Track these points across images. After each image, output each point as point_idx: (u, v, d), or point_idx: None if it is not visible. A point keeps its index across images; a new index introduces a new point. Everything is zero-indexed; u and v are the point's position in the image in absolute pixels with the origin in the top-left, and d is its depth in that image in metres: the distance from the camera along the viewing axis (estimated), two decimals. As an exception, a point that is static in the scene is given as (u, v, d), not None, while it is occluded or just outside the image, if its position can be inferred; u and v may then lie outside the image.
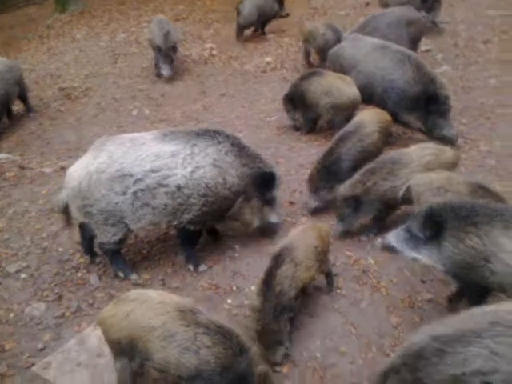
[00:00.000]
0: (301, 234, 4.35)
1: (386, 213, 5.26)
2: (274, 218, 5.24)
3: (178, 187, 4.60)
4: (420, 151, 5.30)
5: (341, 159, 5.74)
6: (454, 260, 3.91)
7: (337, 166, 5.72)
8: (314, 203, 5.79)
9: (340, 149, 5.78)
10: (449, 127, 6.58)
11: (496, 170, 6.27)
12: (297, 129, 7.46)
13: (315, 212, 5.79)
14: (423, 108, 6.53)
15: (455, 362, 2.88)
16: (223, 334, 3.33)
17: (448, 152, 5.32)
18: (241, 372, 3.28)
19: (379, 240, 4.69)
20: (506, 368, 2.85)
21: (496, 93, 8.19)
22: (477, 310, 3.14)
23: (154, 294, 3.53)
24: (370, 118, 6.04)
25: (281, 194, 5.82)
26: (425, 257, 4.07)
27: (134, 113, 8.21)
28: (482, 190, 4.49)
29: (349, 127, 5.96)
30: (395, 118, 6.53)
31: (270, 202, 5.12)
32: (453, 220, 3.88)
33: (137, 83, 9.29)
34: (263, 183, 4.95)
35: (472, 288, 4.10)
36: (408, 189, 4.75)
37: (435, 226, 3.92)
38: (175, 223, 4.79)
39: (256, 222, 5.15)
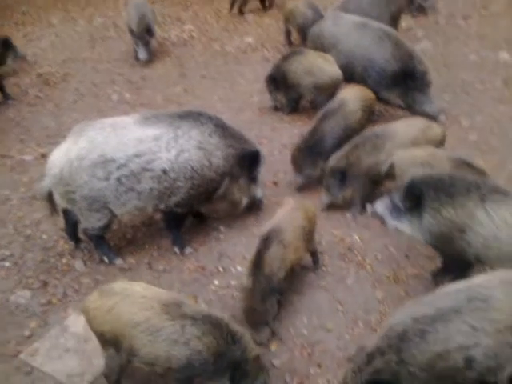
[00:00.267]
0: (288, 215, 4.34)
1: (370, 188, 5.27)
2: (259, 193, 5.31)
3: (164, 171, 4.56)
4: (406, 126, 5.32)
5: (324, 137, 5.74)
6: (433, 231, 3.99)
7: (320, 144, 5.72)
8: (299, 181, 5.84)
9: (323, 127, 5.78)
10: (429, 103, 6.60)
11: (478, 145, 6.33)
12: (279, 109, 7.42)
13: (301, 190, 5.83)
14: (403, 85, 6.54)
15: (437, 340, 2.94)
16: (212, 324, 3.33)
17: (436, 128, 5.33)
18: (235, 359, 3.30)
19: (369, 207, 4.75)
20: (486, 341, 2.93)
21: (476, 68, 8.24)
22: (452, 287, 3.19)
23: (138, 288, 3.48)
24: (353, 96, 6.01)
25: (264, 174, 5.83)
26: (406, 227, 4.18)
27: (114, 97, 8.09)
28: (464, 165, 4.53)
29: (332, 105, 5.94)
30: (376, 96, 6.52)
31: (255, 180, 5.15)
32: (431, 192, 3.95)
33: (116, 67, 9.13)
34: (250, 162, 4.97)
35: (453, 260, 4.16)
36: (391, 165, 4.77)
37: (415, 197, 3.99)
38: (162, 207, 4.76)
39: (244, 201, 5.18)
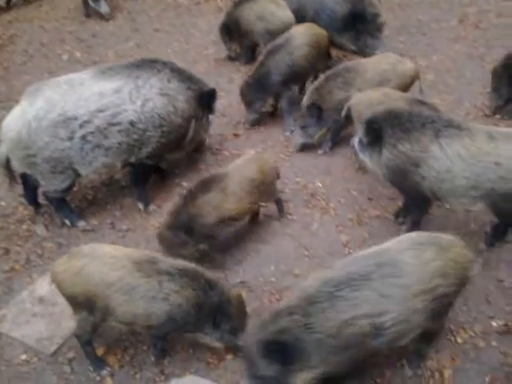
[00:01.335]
0: (240, 165, 4.33)
1: (341, 123, 5.23)
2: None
3: (132, 123, 4.47)
4: (377, 61, 5.32)
5: (270, 72, 5.70)
6: (390, 165, 4.04)
7: (266, 79, 5.70)
8: (251, 116, 5.90)
9: (269, 62, 5.73)
10: (381, 47, 6.55)
11: (435, 85, 6.36)
12: (235, 59, 7.28)
13: (254, 124, 5.95)
14: (354, 28, 6.46)
15: (345, 306, 2.81)
16: (189, 276, 3.33)
17: (407, 64, 5.32)
18: (216, 304, 3.34)
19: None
20: (395, 308, 2.85)
21: (432, 8, 8.21)
22: (366, 252, 3.09)
23: (107, 249, 3.43)
24: (300, 32, 5.90)
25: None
26: (368, 160, 4.24)
27: (65, 57, 7.80)
28: (419, 104, 4.55)
29: (278, 40, 5.86)
30: (331, 41, 6.44)
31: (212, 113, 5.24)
32: (389, 127, 3.98)
33: (65, 25, 8.77)
34: (208, 100, 4.97)
35: (411, 197, 4.24)
36: (349, 108, 4.76)
37: (374, 132, 4.03)
38: (132, 160, 4.67)
39: (205, 136, 5.31)
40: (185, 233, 4.03)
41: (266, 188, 4.36)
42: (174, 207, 4.16)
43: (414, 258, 2.94)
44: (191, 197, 4.07)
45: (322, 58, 6.12)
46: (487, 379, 3.40)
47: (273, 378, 2.84)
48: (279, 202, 4.69)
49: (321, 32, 6.05)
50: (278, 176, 4.62)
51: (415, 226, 4.30)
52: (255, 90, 5.73)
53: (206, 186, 4.12)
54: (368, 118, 4.12)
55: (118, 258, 3.32)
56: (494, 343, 3.60)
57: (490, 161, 3.71)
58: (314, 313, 2.81)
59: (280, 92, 5.84)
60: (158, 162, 4.98)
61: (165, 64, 4.75)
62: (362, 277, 2.87)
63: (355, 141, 4.30)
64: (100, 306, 3.29)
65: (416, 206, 4.26)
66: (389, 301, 2.85)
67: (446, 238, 3.13)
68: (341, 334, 2.79)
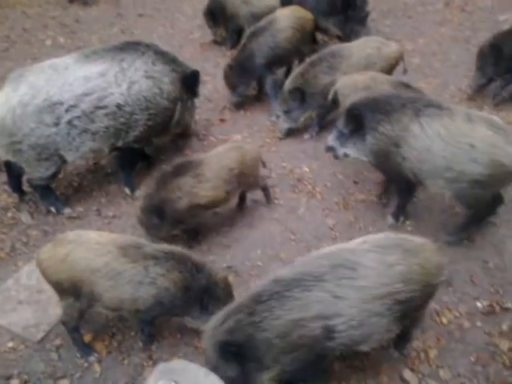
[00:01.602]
0: (220, 153, 4.28)
1: (327, 108, 5.21)
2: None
3: (118, 106, 4.43)
4: (362, 44, 5.30)
5: (253, 55, 5.68)
6: (373, 149, 4.06)
7: (249, 61, 5.68)
8: (234, 99, 5.89)
9: (252, 44, 5.70)
10: (367, 34, 6.50)
11: (421, 68, 6.36)
12: (221, 44, 7.22)
13: (238, 106, 5.96)
14: (341, 13, 6.42)
15: (294, 306, 2.73)
16: (175, 259, 3.33)
17: (392, 46, 5.31)
18: (203, 286, 3.33)
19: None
20: (349, 311, 2.77)
21: (417, -9, 8.18)
22: (322, 251, 3.03)
23: (92, 235, 3.41)
24: (285, 14, 5.88)
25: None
26: (352, 150, 4.24)
27: (48, 43, 7.70)
28: (404, 88, 4.56)
29: (262, 22, 5.84)
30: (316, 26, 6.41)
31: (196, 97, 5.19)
32: (369, 112, 3.99)
33: (48, 11, 8.66)
34: (192, 82, 4.92)
35: (395, 181, 4.28)
36: (335, 92, 4.74)
37: (355, 119, 4.04)
38: (120, 144, 4.63)
39: (191, 121, 5.24)
40: (157, 216, 4.02)
41: (245, 178, 4.30)
42: (147, 190, 4.14)
43: (374, 261, 2.85)
44: (164, 180, 4.05)
45: (306, 42, 6.09)
46: (472, 359, 3.44)
47: (233, 379, 2.81)
48: (266, 189, 4.68)
49: (306, 15, 6.01)
50: (263, 165, 4.61)
51: (400, 209, 4.32)
52: (239, 73, 5.71)
53: (179, 170, 4.08)
54: (348, 107, 4.12)
55: (103, 244, 3.30)
56: (478, 323, 3.64)
57: (466, 142, 3.70)
58: (261, 312, 2.74)
59: (263, 75, 5.82)
60: (145, 146, 4.94)
61: (148, 46, 4.71)
62: (315, 278, 2.79)
63: (332, 139, 4.30)
64: (86, 292, 3.28)
65: (400, 190, 4.28)
66: (343, 303, 2.76)
67: (416, 241, 3.03)
68: (290, 335, 2.73)
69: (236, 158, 4.21)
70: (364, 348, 2.93)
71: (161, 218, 4.03)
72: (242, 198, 4.62)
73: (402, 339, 3.32)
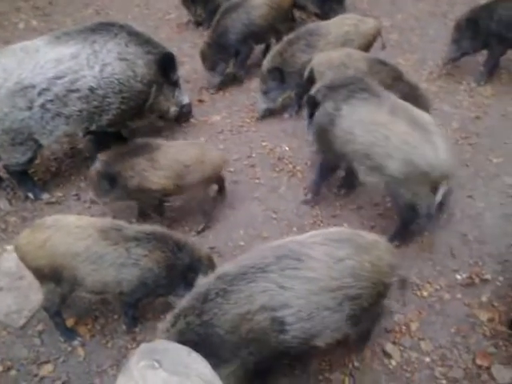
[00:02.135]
0: (180, 146, 4.18)
1: (306, 88, 5.18)
2: (185, 100, 5.19)
3: (91, 89, 4.35)
4: (339, 21, 5.26)
5: (228, 31, 5.64)
6: (314, 124, 4.11)
7: (225, 38, 5.64)
8: (214, 79, 5.83)
9: (225, 21, 5.66)
10: (344, 13, 6.45)
11: (399, 44, 6.35)
12: (199, 24, 7.12)
13: (218, 87, 5.90)
14: None
15: (239, 300, 2.71)
16: (157, 239, 3.33)
17: (369, 23, 5.28)
18: (187, 264, 3.34)
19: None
20: (296, 302, 2.73)
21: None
22: (269, 244, 3.01)
23: (71, 219, 3.39)
24: None
25: (189, 93, 5.67)
26: (310, 133, 4.26)
27: (21, 26, 7.53)
28: (380, 64, 4.55)
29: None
30: (294, 3, 6.34)
31: (177, 84, 5.02)
32: (321, 94, 4.02)
33: (20, -7, 8.47)
34: (167, 65, 4.78)
35: (324, 157, 4.30)
36: (311, 69, 4.72)
37: (312, 105, 4.08)
38: (93, 128, 4.57)
39: (173, 109, 5.06)
40: (108, 184, 4.02)
41: (199, 177, 4.08)
42: (106, 158, 4.07)
43: (323, 254, 2.81)
44: (122, 155, 4.03)
45: (282, 20, 6.03)
46: (453, 330, 3.51)
47: None
48: (221, 185, 4.49)
49: None
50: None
51: (315, 186, 4.42)
52: (216, 51, 5.66)
53: (137, 150, 4.05)
54: (308, 94, 4.14)
55: (82, 228, 3.28)
56: (458, 295, 3.70)
57: (383, 133, 3.65)
58: (209, 310, 2.73)
59: (240, 50, 5.81)
60: (119, 130, 4.87)
61: (122, 27, 4.60)
62: (259, 269, 2.75)
63: (305, 117, 4.32)
64: (67, 277, 3.27)
65: (321, 167, 4.34)
66: (289, 293, 2.73)
67: (369, 238, 2.99)
68: (239, 329, 2.71)
69: (195, 157, 4.07)
70: (319, 343, 2.89)
71: (111, 187, 4.02)
72: (221, 187, 4.50)
73: (360, 339, 3.28)
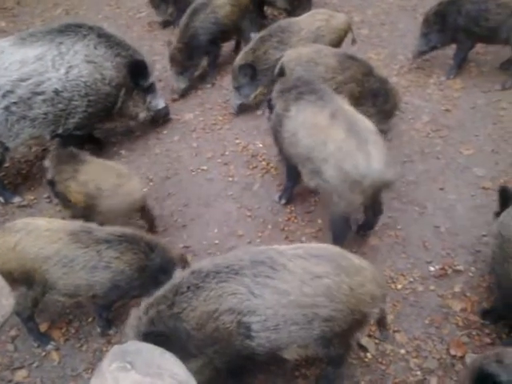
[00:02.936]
0: (103, 169, 3.99)
1: None
2: (160, 104, 5.13)
3: (56, 92, 4.29)
4: (310, 18, 5.27)
5: (198, 33, 5.64)
6: (270, 124, 4.16)
7: (196, 40, 5.64)
8: (182, 84, 5.80)
9: (194, 23, 5.65)
10: (314, 7, 6.47)
11: (370, 39, 6.38)
12: (167, 24, 7.07)
13: (185, 93, 5.85)
14: None
15: (208, 298, 2.71)
16: (128, 241, 3.30)
17: (340, 18, 5.29)
18: (158, 265, 3.31)
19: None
20: (265, 311, 2.69)
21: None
22: (249, 248, 3.02)
23: (41, 222, 3.35)
24: None
25: (161, 92, 5.64)
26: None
27: (-11, 27, 7.43)
28: (350, 60, 4.57)
29: (200, 0, 5.76)
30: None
31: (150, 90, 4.95)
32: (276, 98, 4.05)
33: (-14, -6, 8.33)
34: (138, 72, 4.72)
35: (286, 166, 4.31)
36: (281, 66, 4.72)
37: (269, 106, 4.17)
38: (60, 131, 4.52)
39: (142, 114, 5.00)
40: (51, 190, 4.03)
41: (111, 205, 3.89)
42: (50, 163, 4.01)
43: (299, 267, 2.73)
44: (58, 160, 3.97)
45: (244, 17, 6.00)
46: (427, 322, 3.55)
47: None
48: (147, 220, 4.26)
49: None
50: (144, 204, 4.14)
51: (285, 191, 4.41)
52: (187, 55, 5.61)
53: (68, 157, 3.98)
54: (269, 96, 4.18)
55: (52, 231, 3.25)
56: (431, 287, 3.74)
57: (321, 138, 3.59)
58: (180, 303, 2.74)
59: (211, 51, 5.83)
60: (88, 133, 4.81)
61: (91, 29, 4.55)
62: (233, 271, 2.74)
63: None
64: (39, 281, 3.24)
65: (287, 175, 4.32)
66: (258, 300, 2.69)
67: (355, 262, 2.86)
68: (205, 327, 2.71)
69: (110, 183, 3.88)
70: (286, 356, 2.85)
71: (53, 191, 4.03)
72: (150, 223, 4.24)
73: (331, 363, 3.14)
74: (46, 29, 4.52)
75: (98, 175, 3.90)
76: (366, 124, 3.60)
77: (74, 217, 3.88)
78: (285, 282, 2.70)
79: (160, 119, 5.27)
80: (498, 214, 3.47)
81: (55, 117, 4.38)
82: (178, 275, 2.92)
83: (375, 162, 3.41)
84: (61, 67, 4.29)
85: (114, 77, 4.54)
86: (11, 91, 4.16)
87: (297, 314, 2.70)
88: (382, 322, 3.15)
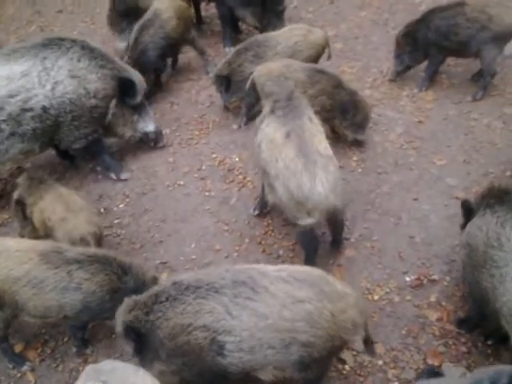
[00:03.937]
0: (56, 200, 3.91)
1: (254, 98, 5.14)
2: (149, 127, 5.06)
3: (44, 109, 4.28)
4: (288, 32, 5.34)
5: (148, 48, 5.71)
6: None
7: (146, 55, 5.70)
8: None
9: (144, 38, 5.70)
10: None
11: (343, 53, 6.46)
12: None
13: None
14: (259, 4, 6.39)
15: (185, 312, 2.72)
16: (99, 262, 3.26)
17: (318, 33, 5.36)
18: (132, 288, 3.26)
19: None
20: (241, 332, 2.67)
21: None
22: (234, 267, 2.98)
23: (11, 243, 3.32)
24: (165, 6, 5.87)
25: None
26: None
27: (-38, 44, 7.36)
28: (319, 74, 4.64)
29: (147, 15, 5.82)
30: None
31: (138, 110, 4.93)
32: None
33: (-41, 11, 8.27)
34: (125, 90, 4.70)
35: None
36: (252, 81, 4.77)
37: None
38: (51, 144, 4.60)
39: (128, 133, 4.96)
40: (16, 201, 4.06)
41: (61, 238, 3.74)
42: (27, 176, 4.08)
43: (281, 291, 2.71)
44: (30, 182, 4.02)
45: (189, 30, 6.08)
46: (403, 332, 3.58)
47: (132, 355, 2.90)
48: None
49: (181, 4, 6.05)
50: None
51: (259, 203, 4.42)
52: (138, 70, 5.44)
53: (38, 181, 4.01)
54: None
55: (22, 251, 3.21)
56: (408, 297, 3.77)
57: (274, 155, 3.58)
58: (156, 312, 2.77)
59: (159, 67, 5.94)
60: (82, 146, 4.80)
61: (74, 42, 4.50)
62: (213, 288, 2.74)
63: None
64: (9, 302, 3.20)
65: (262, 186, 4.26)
66: (234, 321, 2.68)
67: (339, 288, 2.84)
68: (177, 338, 2.72)
69: (58, 215, 3.80)
70: (262, 377, 2.82)
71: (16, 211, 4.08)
72: None
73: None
74: (28, 44, 4.47)
75: (51, 205, 3.87)
76: (320, 147, 3.57)
77: (36, 237, 3.88)
78: (265, 304, 2.68)
79: (150, 143, 5.20)
80: (463, 226, 3.52)
81: (44, 132, 4.38)
82: (162, 283, 2.96)
83: (320, 185, 3.40)
84: (47, 83, 4.26)
85: (99, 89, 4.51)
86: (0, 108, 4.13)
87: (274, 338, 2.68)
88: (367, 340, 3.11)
